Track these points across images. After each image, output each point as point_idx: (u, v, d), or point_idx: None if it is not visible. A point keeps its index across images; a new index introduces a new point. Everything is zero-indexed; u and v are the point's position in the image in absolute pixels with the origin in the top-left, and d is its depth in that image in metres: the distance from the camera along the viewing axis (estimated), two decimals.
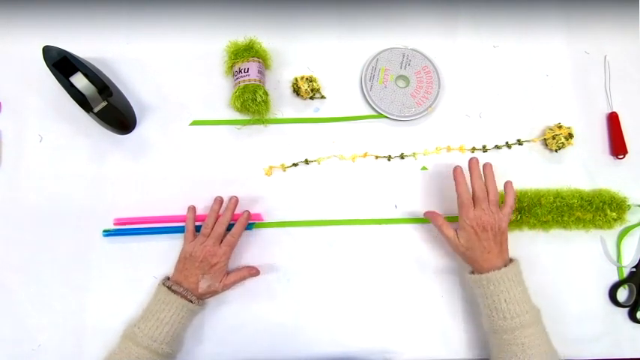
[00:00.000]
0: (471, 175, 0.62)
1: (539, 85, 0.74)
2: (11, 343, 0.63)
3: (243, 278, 0.63)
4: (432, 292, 0.66)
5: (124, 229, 0.66)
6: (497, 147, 0.72)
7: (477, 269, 0.59)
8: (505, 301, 0.55)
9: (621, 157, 0.72)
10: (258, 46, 0.69)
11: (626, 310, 0.68)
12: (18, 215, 0.67)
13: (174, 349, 0.59)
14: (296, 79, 0.71)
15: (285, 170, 0.69)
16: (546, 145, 0.71)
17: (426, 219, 0.68)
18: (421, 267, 0.67)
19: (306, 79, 0.70)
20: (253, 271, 0.63)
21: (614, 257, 0.69)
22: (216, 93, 0.71)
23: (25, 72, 0.70)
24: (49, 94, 0.69)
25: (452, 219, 0.68)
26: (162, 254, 0.66)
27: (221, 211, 0.65)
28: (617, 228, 0.70)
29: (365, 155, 0.70)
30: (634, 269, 0.69)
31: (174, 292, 0.59)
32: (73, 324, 0.64)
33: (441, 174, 0.70)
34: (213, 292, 0.61)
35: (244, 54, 0.68)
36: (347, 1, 0.75)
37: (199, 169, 0.69)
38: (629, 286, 0.69)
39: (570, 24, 0.77)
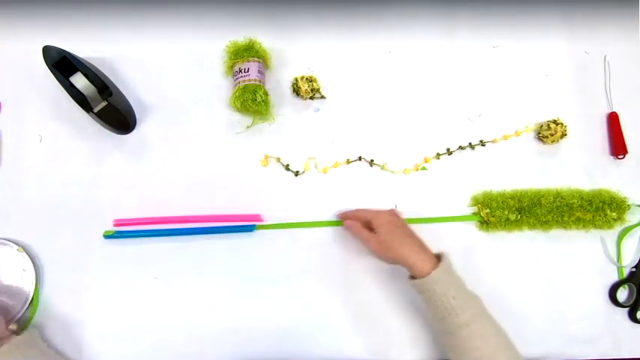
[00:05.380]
0: (354, 213, 0.66)
1: (539, 85, 0.74)
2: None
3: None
4: None
5: (124, 232, 0.66)
6: (494, 141, 0.72)
7: (415, 272, 0.56)
8: (453, 297, 0.54)
9: (621, 157, 0.72)
10: (258, 46, 0.69)
11: (626, 310, 0.68)
12: (18, 215, 0.67)
13: None
14: (296, 79, 0.71)
15: (286, 169, 0.70)
16: (540, 137, 0.71)
17: (426, 219, 0.68)
18: None
19: (306, 79, 0.70)
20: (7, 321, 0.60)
21: (614, 257, 0.69)
22: (216, 93, 0.71)
23: (25, 72, 0.70)
24: (49, 94, 0.69)
25: (453, 219, 0.69)
26: (162, 254, 0.66)
27: None
28: (617, 228, 0.70)
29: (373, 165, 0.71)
30: (634, 269, 0.69)
31: None
32: (72, 324, 0.64)
33: (441, 174, 0.71)
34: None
35: (244, 54, 0.68)
36: (347, 1, 0.75)
37: (199, 170, 0.69)
38: (629, 286, 0.69)
39: (570, 24, 0.77)
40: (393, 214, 0.63)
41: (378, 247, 0.60)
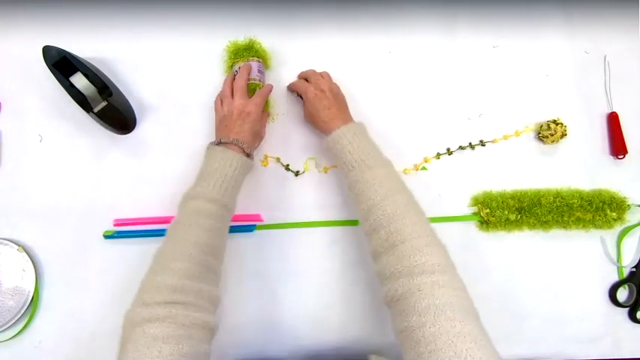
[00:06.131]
0: (301, 74, 0.70)
1: (539, 85, 0.74)
2: (12, 340, 0.63)
3: (265, 95, 0.66)
4: None
5: (124, 232, 0.66)
6: (494, 141, 0.72)
7: (324, 131, 0.62)
8: (349, 152, 0.57)
9: (621, 157, 0.72)
10: (258, 46, 0.69)
11: (626, 310, 0.68)
12: (18, 215, 0.67)
13: (234, 204, 0.60)
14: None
15: (287, 170, 0.70)
16: (540, 137, 0.71)
17: None
18: None
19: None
20: (269, 88, 0.67)
21: (614, 257, 0.69)
22: (216, 93, 0.71)
23: (25, 72, 0.70)
24: (49, 94, 0.69)
25: (453, 219, 0.69)
26: None
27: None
28: (617, 228, 0.70)
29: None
30: (634, 269, 0.69)
31: (227, 147, 0.59)
32: (73, 323, 0.64)
33: (441, 174, 0.71)
34: (258, 136, 0.65)
35: (244, 54, 0.68)
36: (347, 0, 0.75)
37: (199, 169, 0.69)
38: (629, 286, 0.69)
39: (570, 24, 0.77)
40: (316, 84, 0.65)
41: (307, 118, 0.67)
